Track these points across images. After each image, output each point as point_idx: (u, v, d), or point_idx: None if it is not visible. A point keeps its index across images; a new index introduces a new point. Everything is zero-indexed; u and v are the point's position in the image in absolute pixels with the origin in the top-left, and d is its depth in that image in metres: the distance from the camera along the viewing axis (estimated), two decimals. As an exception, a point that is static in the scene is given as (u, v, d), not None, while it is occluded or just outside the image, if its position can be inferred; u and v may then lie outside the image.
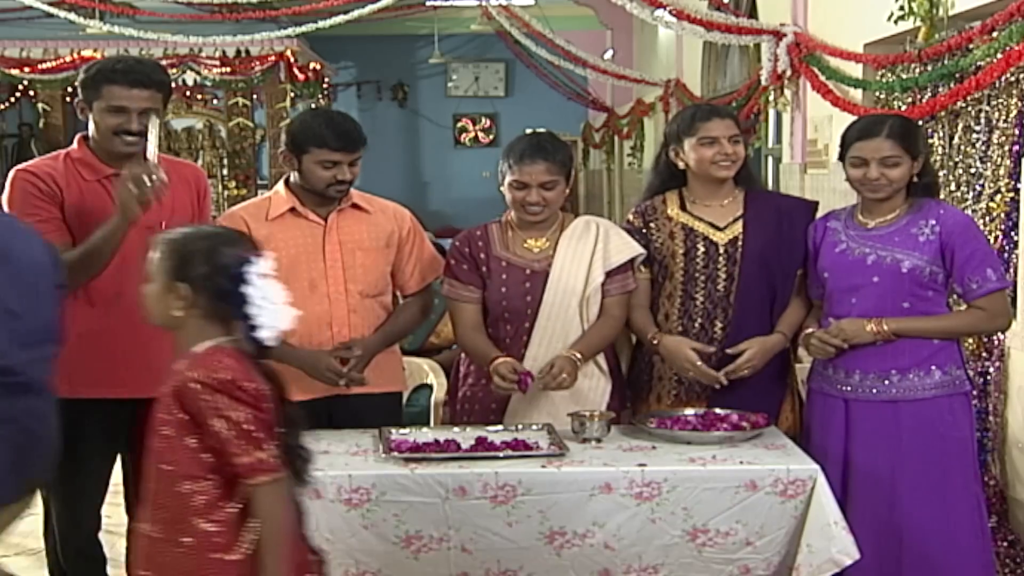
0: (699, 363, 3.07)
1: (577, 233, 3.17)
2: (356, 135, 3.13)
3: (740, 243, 3.15)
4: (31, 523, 3.30)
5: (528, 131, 3.49)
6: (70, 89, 11.82)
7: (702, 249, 3.16)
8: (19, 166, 3.03)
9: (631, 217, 3.29)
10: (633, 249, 3.17)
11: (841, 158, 3.05)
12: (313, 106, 13.06)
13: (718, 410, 3.04)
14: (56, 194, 2.94)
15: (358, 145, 3.13)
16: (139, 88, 2.96)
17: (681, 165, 3.20)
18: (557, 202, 3.13)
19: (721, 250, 3.16)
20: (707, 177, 3.17)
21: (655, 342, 3.14)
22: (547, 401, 3.11)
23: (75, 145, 3.03)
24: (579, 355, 3.05)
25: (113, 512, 3.22)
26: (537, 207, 3.10)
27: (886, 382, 2.96)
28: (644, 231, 3.23)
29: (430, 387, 4.15)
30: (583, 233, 3.17)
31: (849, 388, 3.00)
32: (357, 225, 3.20)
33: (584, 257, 3.13)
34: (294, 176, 3.18)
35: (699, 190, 3.21)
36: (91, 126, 3.02)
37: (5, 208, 2.94)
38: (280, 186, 3.23)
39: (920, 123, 4.07)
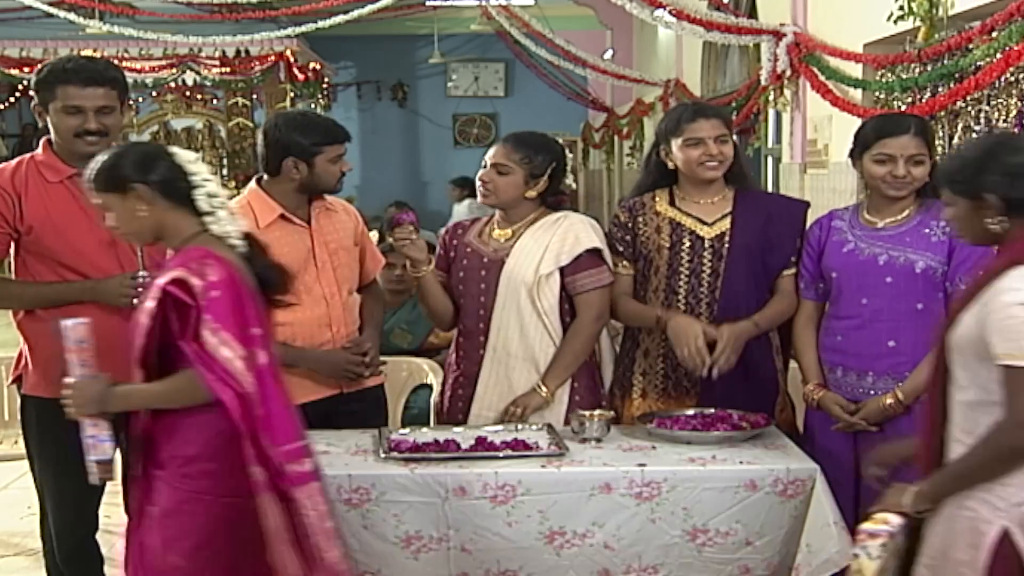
0: (702, 342, 3.02)
1: (543, 227, 3.19)
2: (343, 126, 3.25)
3: (727, 239, 3.15)
4: (31, 523, 3.31)
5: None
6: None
7: (687, 243, 3.17)
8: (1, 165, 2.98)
9: (618, 212, 3.31)
10: (591, 241, 3.15)
11: (853, 155, 3.04)
12: (313, 106, 13.07)
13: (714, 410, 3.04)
14: (9, 203, 2.88)
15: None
16: (93, 86, 2.92)
17: (671, 165, 3.20)
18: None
19: (707, 244, 3.16)
20: (695, 177, 3.17)
21: (663, 320, 3.10)
22: (508, 393, 3.16)
23: (40, 148, 2.99)
24: (544, 390, 3.12)
25: (112, 512, 3.21)
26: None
27: (899, 383, 2.95)
28: (630, 225, 3.24)
29: (430, 387, 4.15)
30: (548, 227, 3.18)
31: (862, 391, 2.99)
32: (333, 225, 3.26)
33: (539, 249, 3.15)
34: (275, 181, 3.15)
35: (689, 188, 3.21)
36: (51, 129, 2.96)
37: None
38: (255, 191, 3.19)
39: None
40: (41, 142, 3.01)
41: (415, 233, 3.17)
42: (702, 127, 3.12)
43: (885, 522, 2.13)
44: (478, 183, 3.22)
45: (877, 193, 3.01)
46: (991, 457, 2.05)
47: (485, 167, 3.20)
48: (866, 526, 2.15)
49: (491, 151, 3.21)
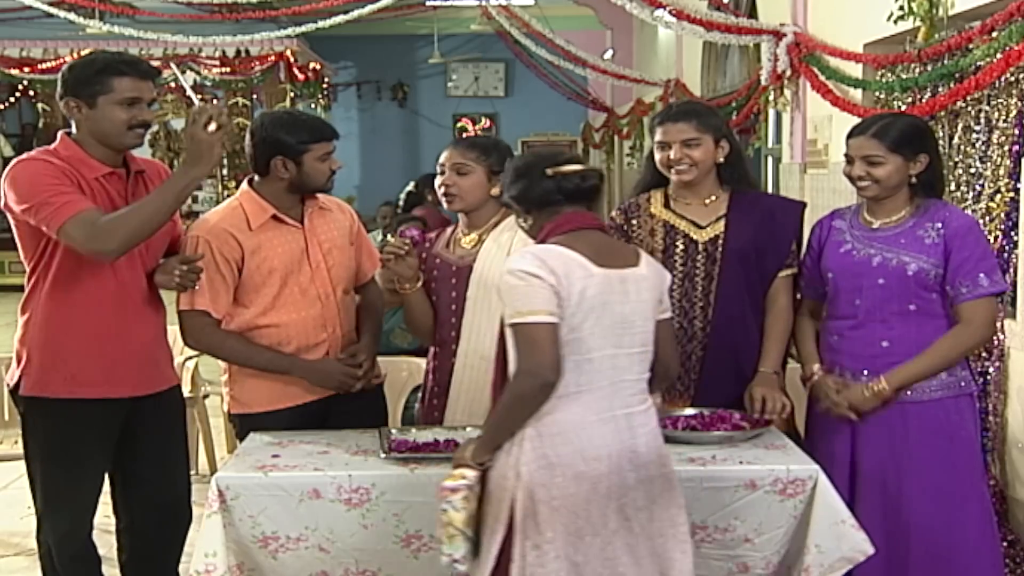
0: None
1: (505, 228, 3.17)
2: (330, 124, 3.25)
3: (720, 242, 3.14)
4: (30, 523, 3.30)
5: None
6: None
7: (681, 246, 3.15)
8: (23, 156, 2.94)
9: (614, 214, 3.29)
10: None
11: None
12: (313, 106, 13.07)
13: (708, 411, 3.04)
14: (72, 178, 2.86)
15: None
16: (148, 79, 2.96)
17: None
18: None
19: (700, 248, 3.14)
20: (671, 179, 3.18)
21: None
22: (480, 398, 3.12)
23: (59, 142, 2.95)
24: None
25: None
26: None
27: None
28: (625, 228, 3.23)
29: (430, 387, 4.15)
30: (511, 226, 3.16)
31: None
32: (327, 225, 3.24)
33: (504, 249, 3.13)
34: (266, 181, 3.14)
35: (679, 189, 3.20)
36: (85, 125, 2.92)
37: (14, 198, 2.82)
38: (247, 192, 3.17)
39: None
40: (60, 136, 2.97)
41: (408, 249, 3.16)
42: (668, 131, 3.12)
43: (462, 477, 2.37)
44: (440, 189, 3.19)
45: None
46: (507, 405, 2.34)
47: (443, 173, 3.18)
48: (446, 483, 2.37)
49: (443, 156, 3.20)
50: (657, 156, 3.17)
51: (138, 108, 2.91)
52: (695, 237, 3.15)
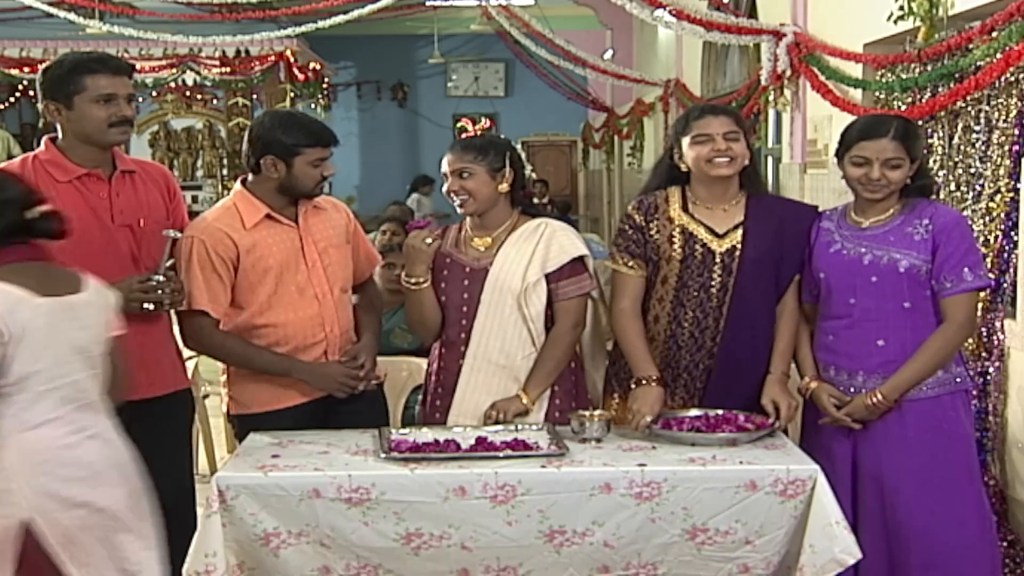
0: (647, 421, 3.00)
1: (524, 234, 3.17)
2: (331, 131, 3.22)
3: (737, 253, 3.11)
4: (31, 523, 3.31)
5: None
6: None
7: (699, 256, 3.13)
8: None
9: (632, 211, 3.23)
10: (577, 249, 3.14)
11: (838, 155, 3.04)
12: (313, 106, 13.06)
13: (701, 411, 3.05)
14: None
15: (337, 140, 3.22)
16: (122, 75, 2.95)
17: (683, 167, 3.18)
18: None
19: (717, 259, 3.12)
20: (706, 177, 3.13)
21: (643, 383, 3.10)
22: (486, 401, 3.14)
23: (42, 147, 2.97)
24: (526, 397, 3.10)
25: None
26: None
27: None
28: (644, 228, 3.20)
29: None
30: (529, 234, 3.16)
31: (853, 389, 3.00)
32: (322, 224, 3.23)
33: (524, 256, 3.13)
34: (258, 180, 3.14)
35: (702, 192, 3.16)
36: (67, 127, 2.93)
37: None
38: (241, 192, 3.17)
39: (920, 123, 4.07)
40: (44, 141, 2.99)
41: (431, 243, 3.16)
42: (710, 123, 3.09)
43: None
44: (450, 198, 3.18)
45: (856, 194, 3.03)
46: None
47: (447, 180, 3.18)
48: None
49: (444, 163, 3.19)
50: (696, 151, 3.10)
51: (116, 105, 2.91)
52: (712, 247, 3.12)
